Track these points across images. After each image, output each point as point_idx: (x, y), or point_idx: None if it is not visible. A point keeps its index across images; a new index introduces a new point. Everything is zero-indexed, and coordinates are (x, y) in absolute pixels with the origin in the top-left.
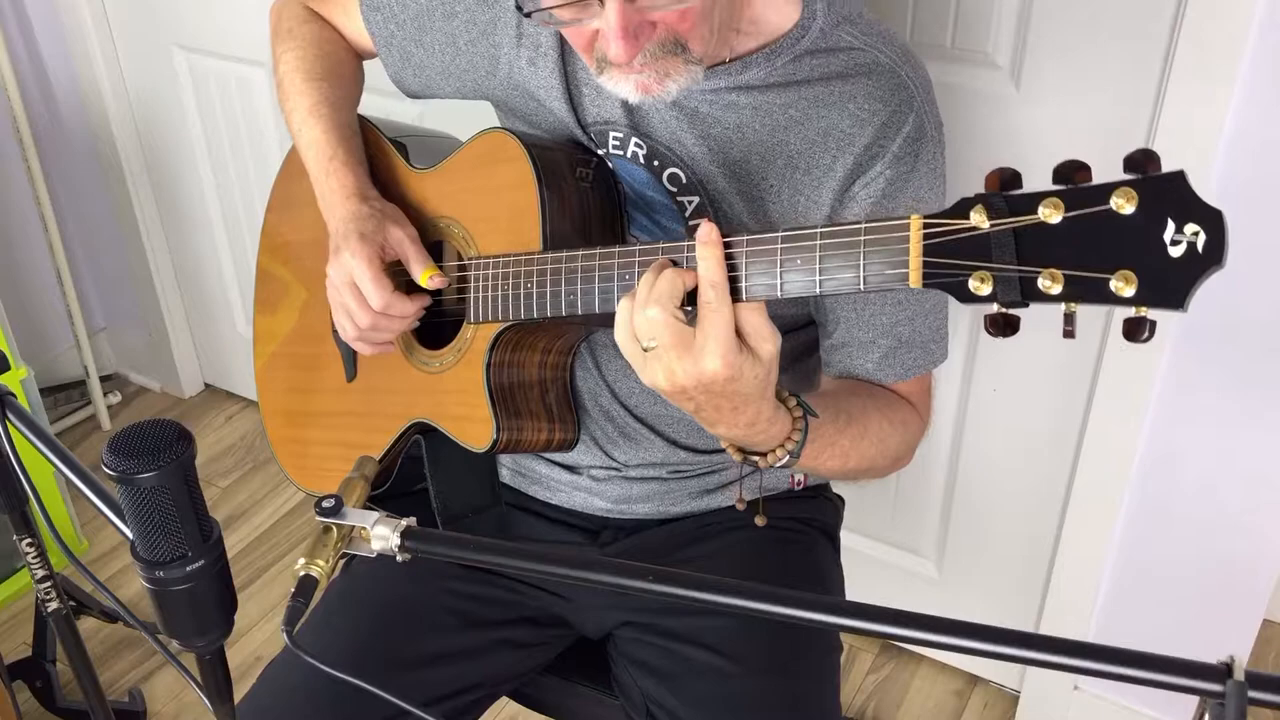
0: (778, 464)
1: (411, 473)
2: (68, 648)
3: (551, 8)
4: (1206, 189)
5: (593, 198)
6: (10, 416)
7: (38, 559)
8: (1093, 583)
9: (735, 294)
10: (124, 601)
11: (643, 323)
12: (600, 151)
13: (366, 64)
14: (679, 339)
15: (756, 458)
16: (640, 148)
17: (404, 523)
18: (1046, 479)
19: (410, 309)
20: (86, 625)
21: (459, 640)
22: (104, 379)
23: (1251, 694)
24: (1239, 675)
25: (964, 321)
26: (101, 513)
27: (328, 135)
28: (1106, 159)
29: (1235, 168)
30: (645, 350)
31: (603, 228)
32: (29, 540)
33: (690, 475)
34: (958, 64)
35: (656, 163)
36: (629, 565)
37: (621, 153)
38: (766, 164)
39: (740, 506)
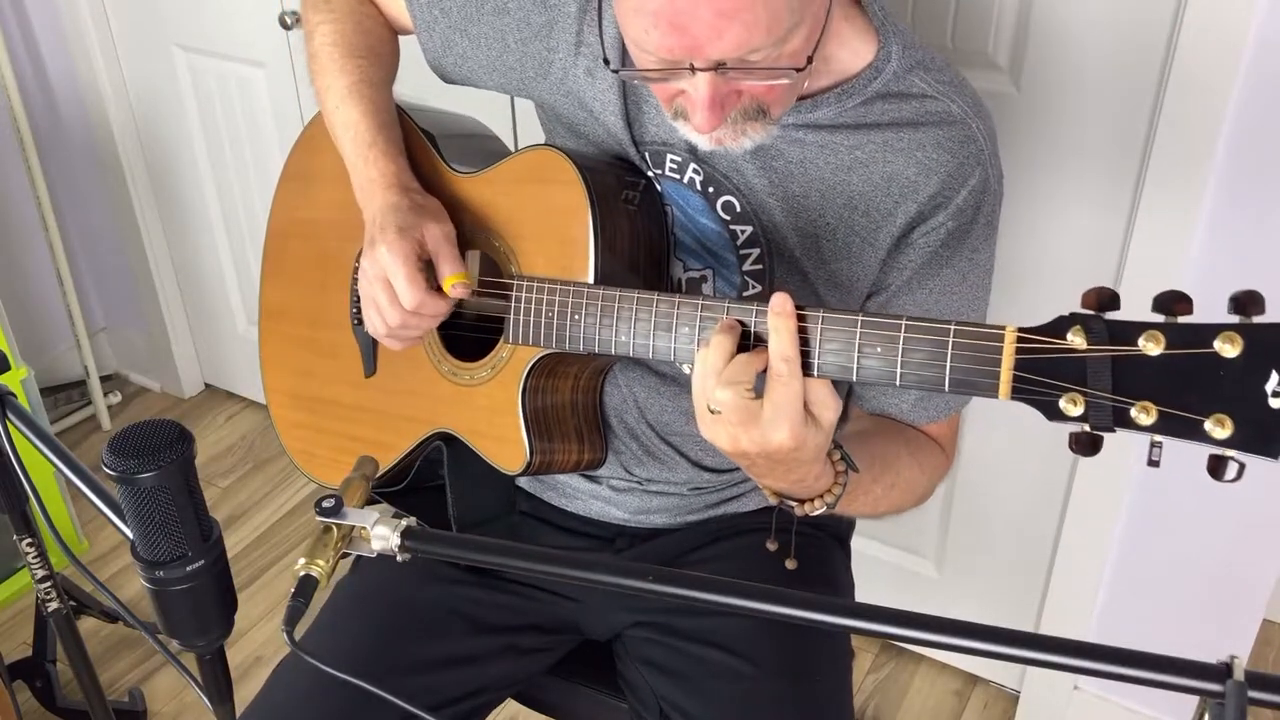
0: (814, 513)
1: (424, 470)
2: (68, 648)
3: (646, 71)
4: (1205, 188)
5: (640, 223)
6: (10, 416)
7: (38, 559)
8: (1093, 583)
9: (806, 369)
10: (124, 601)
11: (711, 397)
12: (655, 172)
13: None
14: (747, 414)
15: (793, 504)
16: (698, 174)
17: (404, 523)
18: (1046, 479)
19: (443, 308)
20: (86, 625)
21: (466, 645)
22: (104, 379)
23: (1251, 694)
24: (1239, 675)
25: None
26: (101, 513)
27: (367, 119)
28: (1106, 158)
29: (1235, 169)
30: (712, 412)
31: (650, 255)
32: (29, 540)
33: (710, 491)
34: (958, 64)
35: (712, 189)
36: (630, 565)
37: (678, 176)
38: (825, 202)
39: (772, 548)
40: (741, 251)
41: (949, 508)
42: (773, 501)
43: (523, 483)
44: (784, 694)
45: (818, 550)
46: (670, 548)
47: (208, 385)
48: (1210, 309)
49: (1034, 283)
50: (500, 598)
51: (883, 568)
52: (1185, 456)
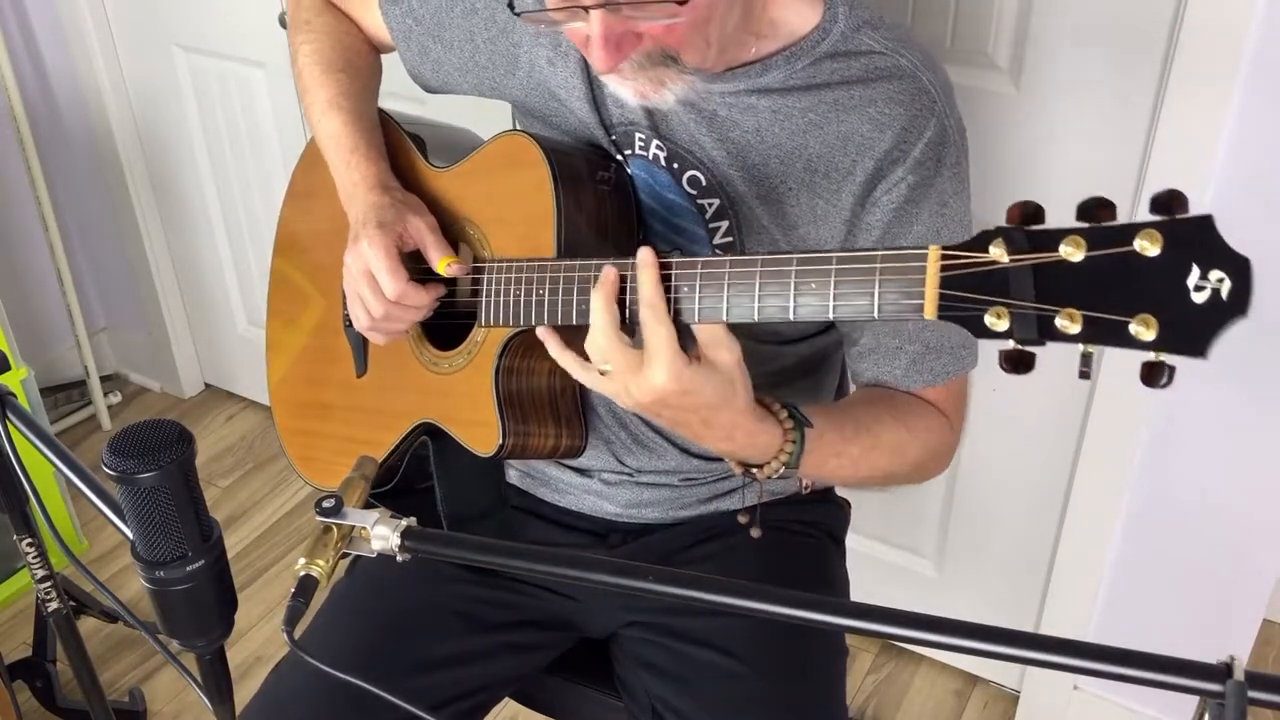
0: (775, 475)
1: (417, 470)
2: (68, 648)
3: (546, 11)
4: (1205, 187)
5: (610, 205)
6: (10, 416)
7: (38, 559)
8: (1093, 583)
9: (677, 315)
10: (124, 601)
11: (593, 350)
12: (626, 153)
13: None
14: (626, 361)
15: (755, 469)
16: (661, 149)
17: (404, 523)
18: (1046, 479)
19: (425, 299)
20: (86, 625)
21: (464, 644)
22: (104, 379)
23: (1251, 694)
24: (1239, 675)
25: None
26: (101, 513)
27: (348, 127)
28: (1106, 158)
29: (1235, 167)
30: (603, 374)
31: (619, 235)
32: (29, 540)
33: (702, 483)
34: (958, 64)
35: (676, 165)
36: (630, 565)
37: (645, 154)
38: (785, 167)
39: (743, 520)
40: (711, 225)
41: (949, 508)
42: (736, 471)
43: (514, 479)
44: (776, 693)
45: (812, 548)
46: (664, 544)
47: (208, 385)
48: None
49: None
50: (497, 595)
51: (883, 568)
52: (1184, 456)
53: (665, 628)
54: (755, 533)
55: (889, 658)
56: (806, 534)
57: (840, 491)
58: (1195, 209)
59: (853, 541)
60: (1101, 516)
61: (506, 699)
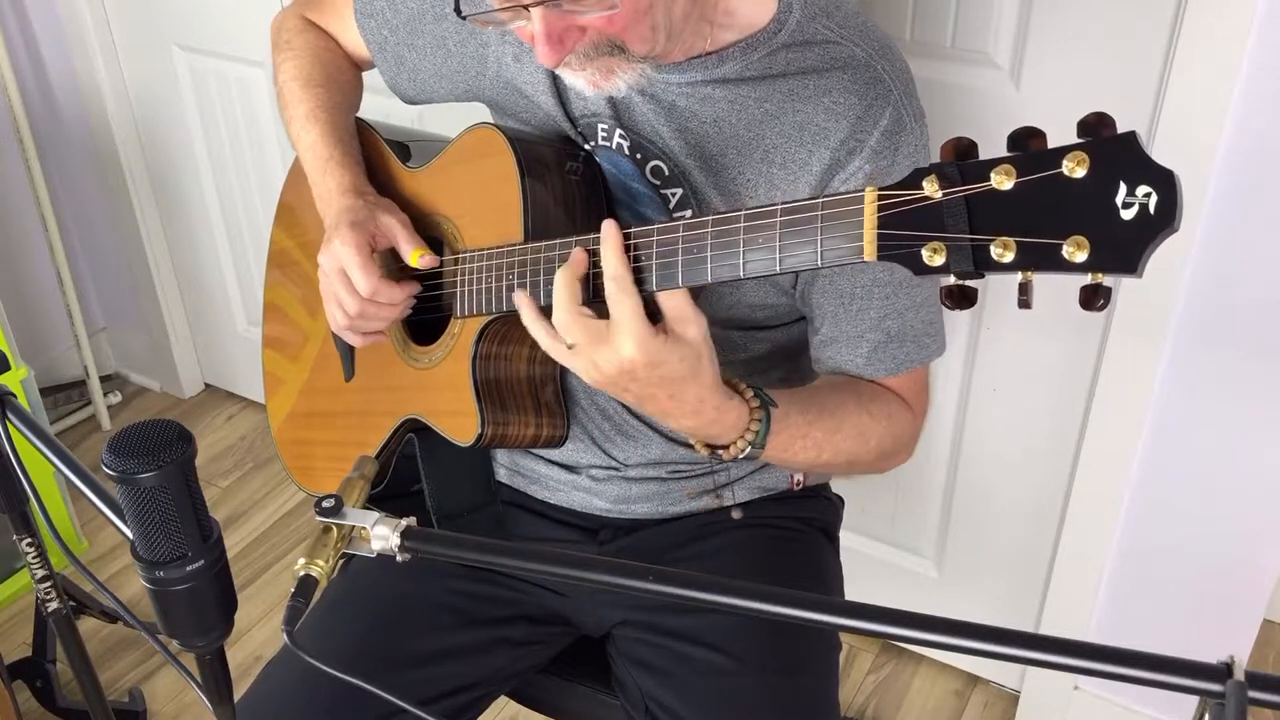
0: (741, 455)
1: (408, 474)
2: (68, 648)
3: (490, 11)
4: (1205, 189)
5: (578, 192)
6: (10, 416)
7: (38, 559)
8: (1093, 583)
9: (640, 283)
10: (124, 601)
11: (558, 326)
12: (590, 144)
13: (367, 74)
14: (591, 334)
15: (720, 450)
16: (625, 139)
17: (404, 523)
18: (1046, 479)
19: (399, 295)
20: (86, 625)
21: (457, 638)
22: (104, 379)
23: (1251, 694)
24: (1239, 675)
25: (963, 321)
26: (101, 513)
27: (324, 138)
28: None
29: (1235, 168)
30: (570, 348)
31: (586, 222)
32: (29, 540)
33: (690, 476)
34: (958, 64)
35: (640, 155)
36: (630, 565)
37: (609, 144)
38: (743, 158)
39: (689, 496)
40: (675, 216)
41: (949, 508)
42: (703, 454)
43: (503, 477)
44: (767, 689)
45: (805, 544)
46: (655, 541)
47: (208, 385)
48: (1213, 323)
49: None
50: (488, 589)
51: (883, 568)
52: (1184, 457)
53: (657, 626)
54: (736, 514)
55: (889, 658)
56: (799, 530)
57: (834, 487)
58: (1194, 209)
59: (853, 541)
60: (1101, 517)
61: (506, 699)
